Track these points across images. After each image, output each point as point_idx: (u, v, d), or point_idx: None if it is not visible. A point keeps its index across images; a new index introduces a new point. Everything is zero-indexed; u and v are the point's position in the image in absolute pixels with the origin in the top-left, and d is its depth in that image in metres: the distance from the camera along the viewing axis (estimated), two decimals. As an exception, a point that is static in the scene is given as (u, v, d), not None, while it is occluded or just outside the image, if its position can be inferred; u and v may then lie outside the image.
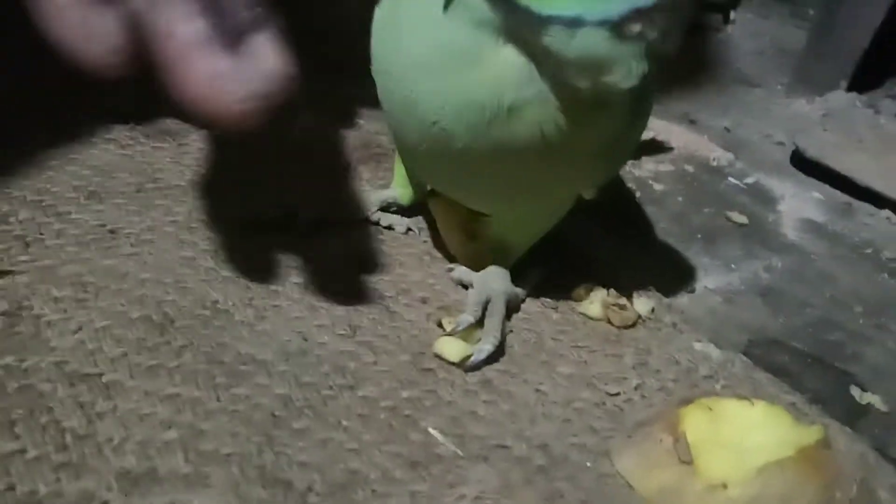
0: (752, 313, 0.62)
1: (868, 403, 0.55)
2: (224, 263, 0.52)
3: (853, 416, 0.54)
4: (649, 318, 0.56)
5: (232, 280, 0.51)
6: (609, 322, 0.55)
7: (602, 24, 0.38)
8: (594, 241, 0.64)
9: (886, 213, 0.81)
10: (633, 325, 0.56)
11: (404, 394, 0.46)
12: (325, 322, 0.50)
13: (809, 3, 1.43)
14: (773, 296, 0.65)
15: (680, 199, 0.76)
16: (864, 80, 1.03)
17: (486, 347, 0.50)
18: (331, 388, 0.46)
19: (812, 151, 0.85)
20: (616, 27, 0.38)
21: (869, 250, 0.75)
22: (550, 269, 0.58)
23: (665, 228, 0.71)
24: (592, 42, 0.38)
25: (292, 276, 0.53)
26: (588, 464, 0.45)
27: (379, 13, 0.49)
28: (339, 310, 0.51)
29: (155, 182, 0.59)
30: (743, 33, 1.19)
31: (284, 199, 0.58)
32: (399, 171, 0.61)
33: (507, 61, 0.41)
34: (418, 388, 0.47)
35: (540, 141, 0.43)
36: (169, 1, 0.33)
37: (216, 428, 0.41)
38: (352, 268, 0.55)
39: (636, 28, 0.38)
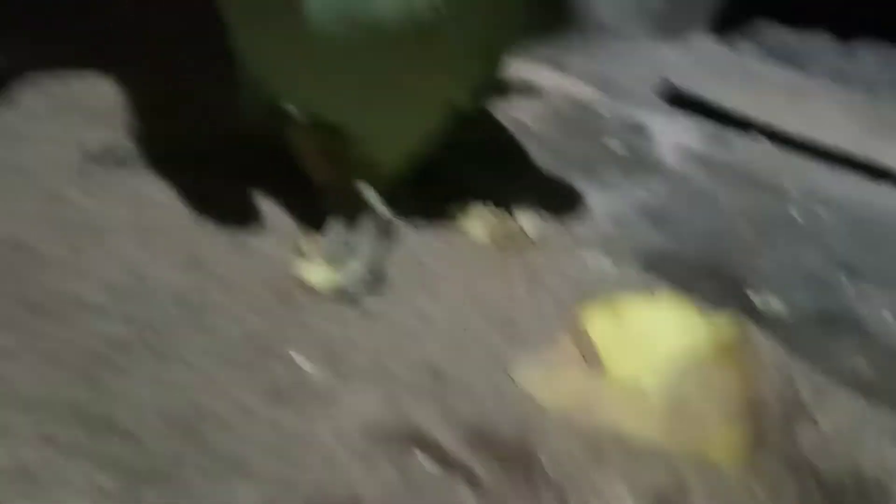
0: (642, 233, 0.59)
1: (767, 306, 0.52)
2: (33, 201, 0.43)
3: (756, 317, 0.50)
4: (538, 238, 0.51)
5: (43, 217, 0.42)
6: (495, 242, 0.50)
7: None
8: (474, 173, 0.58)
9: (760, 139, 0.80)
10: (522, 244, 0.50)
11: (261, 324, 0.39)
12: (160, 257, 0.42)
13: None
14: (660, 216, 0.62)
15: (557, 135, 0.72)
16: (723, 23, 1.03)
17: (357, 269, 0.43)
18: (169, 323, 0.38)
19: (682, 84, 0.83)
20: None
21: (747, 172, 0.73)
22: (428, 195, 0.52)
23: (545, 161, 0.67)
24: None
25: (121, 211, 0.45)
26: (484, 383, 0.39)
27: None
28: (179, 243, 0.43)
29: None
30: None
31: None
32: (246, 92, 0.53)
33: None
34: (278, 317, 0.40)
35: (409, 20, 0.37)
36: None
37: (20, 372, 0.33)
38: (194, 198, 0.48)
39: None
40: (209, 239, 0.44)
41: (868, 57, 1.09)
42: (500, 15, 0.43)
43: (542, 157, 0.67)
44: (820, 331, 0.51)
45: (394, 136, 0.49)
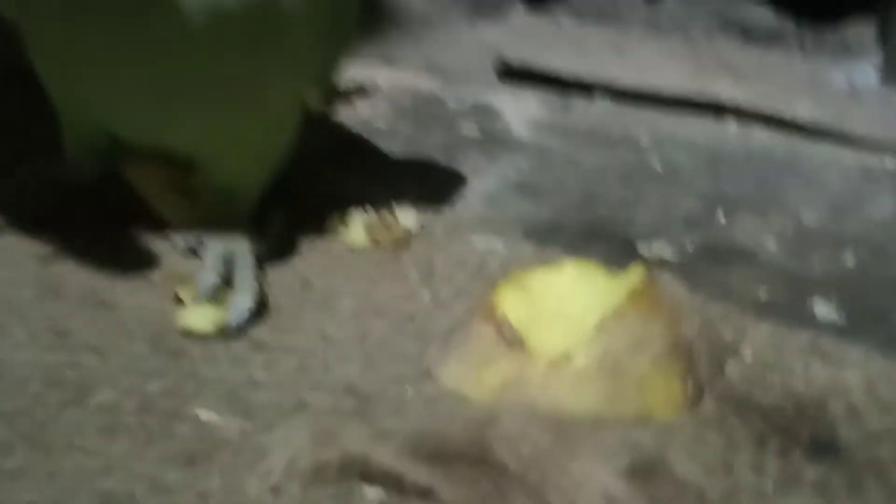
0: (519, 207, 0.58)
1: (659, 256, 0.52)
2: None
3: (651, 270, 0.50)
4: (420, 232, 0.49)
5: None
6: (378, 244, 0.47)
7: None
8: (335, 178, 0.55)
9: (600, 101, 0.81)
10: (405, 241, 0.48)
11: (154, 386, 0.35)
12: (20, 336, 0.37)
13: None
14: (531, 189, 0.61)
15: (407, 129, 0.70)
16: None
17: (244, 303, 0.39)
18: (49, 410, 0.33)
19: (515, 60, 0.83)
20: None
21: (599, 133, 0.74)
22: (294, 211, 0.49)
23: (402, 156, 0.65)
24: None
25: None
26: (409, 391, 0.36)
27: None
28: (37, 318, 0.38)
29: None
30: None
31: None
32: (70, 135, 0.47)
33: None
34: (171, 375, 0.36)
35: (259, 5, 0.34)
36: None
37: None
38: (43, 265, 0.42)
39: None
40: (70, 306, 0.39)
41: (674, 4, 1.14)
42: (342, 4, 0.40)
43: (399, 152, 0.65)
44: (714, 268, 0.51)
45: (245, 157, 0.45)
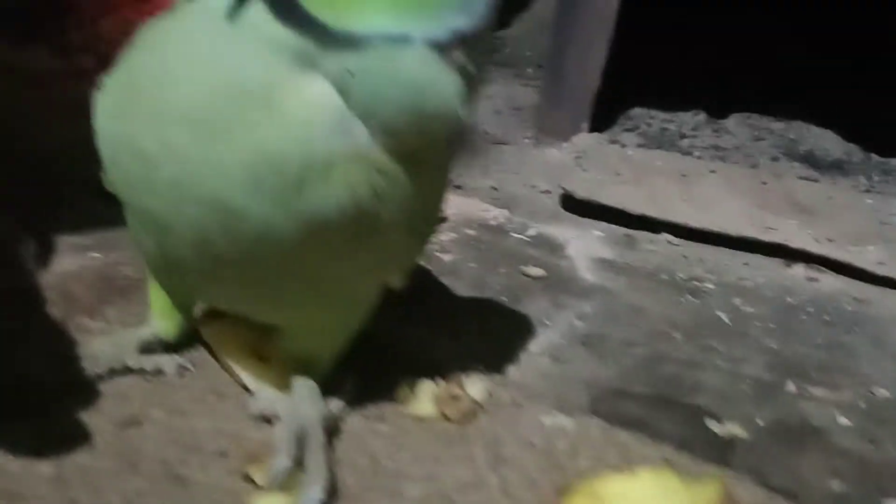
0: (583, 366, 0.57)
1: (730, 434, 0.51)
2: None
3: (722, 451, 0.50)
4: (488, 403, 0.49)
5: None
6: (446, 418, 0.47)
7: (430, 44, 0.32)
8: (403, 332, 0.56)
9: (665, 236, 0.81)
10: (472, 413, 0.48)
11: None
12: (94, 516, 0.38)
13: (527, 64, 1.50)
14: (595, 343, 0.61)
15: (472, 264, 0.71)
16: (601, 118, 1.06)
17: (314, 493, 0.40)
18: None
19: (581, 192, 0.84)
20: (443, 50, 0.32)
21: (664, 275, 0.74)
22: (364, 372, 0.49)
23: (468, 298, 0.65)
24: (417, 66, 0.32)
25: (41, 467, 0.40)
26: None
27: (111, 90, 0.39)
28: (111, 491, 0.39)
29: None
30: (476, 97, 1.19)
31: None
32: (157, 299, 0.49)
33: (312, 101, 0.33)
34: (242, 570, 0.36)
35: (352, 210, 0.35)
36: None
37: None
38: (122, 431, 0.43)
39: (459, 55, 0.32)
40: (145, 481, 0.40)
41: (740, 129, 1.14)
42: (435, 189, 0.41)
43: (464, 295, 0.66)
44: (785, 451, 0.50)
45: (328, 329, 0.46)
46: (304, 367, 0.46)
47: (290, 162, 0.33)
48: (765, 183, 0.96)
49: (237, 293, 0.42)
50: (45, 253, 0.60)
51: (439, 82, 0.33)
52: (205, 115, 0.33)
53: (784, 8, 1.24)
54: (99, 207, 0.59)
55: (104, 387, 0.47)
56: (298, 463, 0.41)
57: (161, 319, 0.50)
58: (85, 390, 0.46)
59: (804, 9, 1.23)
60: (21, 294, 0.55)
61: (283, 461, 0.40)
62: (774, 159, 1.04)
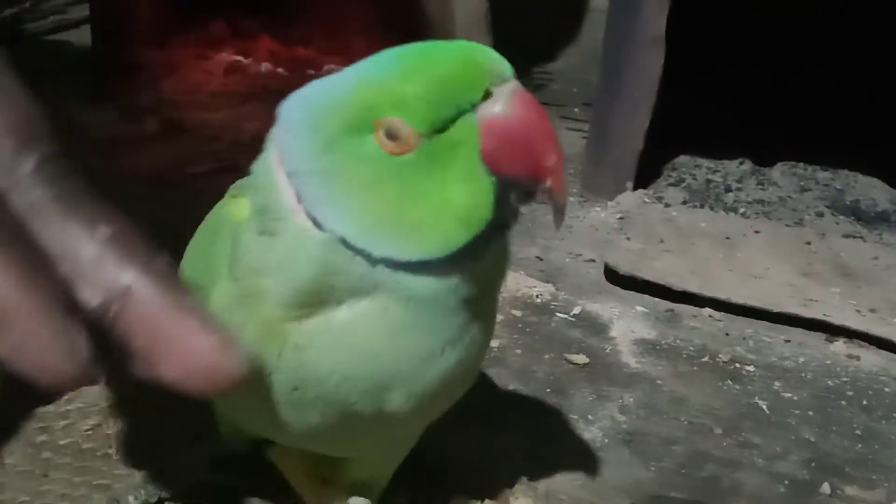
0: (625, 469, 0.60)
1: (763, 545, 0.54)
2: None
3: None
4: (534, 517, 0.53)
5: None
6: (493, 539, 0.51)
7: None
8: (452, 437, 0.59)
9: (707, 311, 0.83)
10: (519, 534, 0.52)
11: None
12: None
13: (574, 102, 1.52)
14: (637, 441, 0.64)
15: (518, 351, 0.74)
16: (646, 167, 1.08)
17: None
18: None
19: (624, 267, 0.86)
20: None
21: (706, 357, 0.76)
22: (415, 490, 0.53)
23: (514, 392, 0.69)
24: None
25: None
26: None
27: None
28: None
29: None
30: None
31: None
32: (225, 425, 0.54)
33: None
34: None
35: (460, 378, 0.41)
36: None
37: None
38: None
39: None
40: None
41: (785, 179, 1.15)
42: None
43: (511, 388, 0.69)
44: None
45: (392, 455, 0.50)
46: (365, 489, 0.51)
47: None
48: (809, 243, 0.97)
49: (326, 445, 0.47)
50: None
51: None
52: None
53: (828, 52, 1.24)
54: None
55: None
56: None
57: (229, 439, 0.54)
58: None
59: (847, 52, 1.23)
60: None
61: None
62: (819, 214, 1.05)
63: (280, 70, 1.45)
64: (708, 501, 0.58)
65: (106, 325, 0.28)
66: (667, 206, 1.04)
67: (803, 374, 0.75)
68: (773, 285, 0.86)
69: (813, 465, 0.63)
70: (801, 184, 1.14)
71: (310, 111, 0.36)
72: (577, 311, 0.82)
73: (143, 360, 0.29)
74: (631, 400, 0.69)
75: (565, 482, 0.58)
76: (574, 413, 0.66)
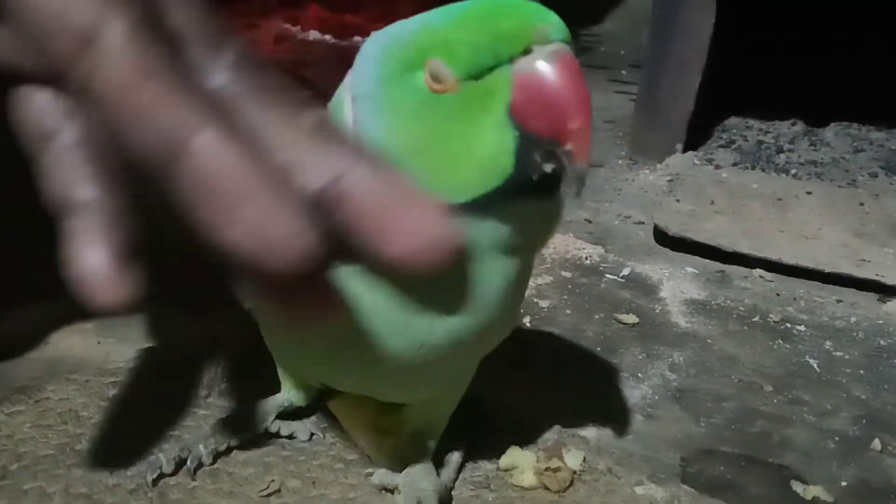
0: (675, 425, 0.62)
1: (814, 498, 0.55)
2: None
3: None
4: (583, 471, 0.54)
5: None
6: (546, 488, 0.53)
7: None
8: (506, 393, 0.61)
9: (758, 271, 0.84)
10: (572, 484, 0.53)
11: None
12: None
13: (621, 65, 1.51)
14: (688, 398, 0.65)
15: (568, 311, 0.76)
16: (697, 129, 1.08)
17: None
18: None
19: (674, 228, 0.87)
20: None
21: (756, 317, 0.76)
22: (469, 440, 0.55)
23: (565, 350, 0.70)
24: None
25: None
26: None
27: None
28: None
29: (20, 459, 0.53)
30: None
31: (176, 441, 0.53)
32: (286, 377, 0.57)
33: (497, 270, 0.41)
34: None
35: (503, 316, 0.43)
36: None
37: None
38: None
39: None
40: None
41: (838, 140, 1.14)
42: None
43: (562, 347, 0.71)
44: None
45: (446, 402, 0.52)
46: (421, 439, 0.53)
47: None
48: (862, 204, 0.96)
49: (387, 390, 0.50)
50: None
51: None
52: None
53: (883, 9, 1.21)
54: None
55: (247, 455, 0.54)
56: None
57: (292, 390, 0.57)
58: (232, 458, 0.54)
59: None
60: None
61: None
62: (873, 175, 1.04)
63: (328, 37, 1.46)
64: (758, 456, 0.59)
65: (327, 209, 0.27)
66: (717, 167, 1.04)
67: (855, 334, 0.75)
68: (826, 246, 0.86)
69: (864, 421, 0.63)
70: (855, 144, 1.12)
71: (380, 45, 0.39)
72: (626, 272, 0.83)
73: (370, 239, 0.27)
74: (681, 359, 0.70)
75: (616, 436, 0.60)
76: (624, 371, 0.68)
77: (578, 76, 0.36)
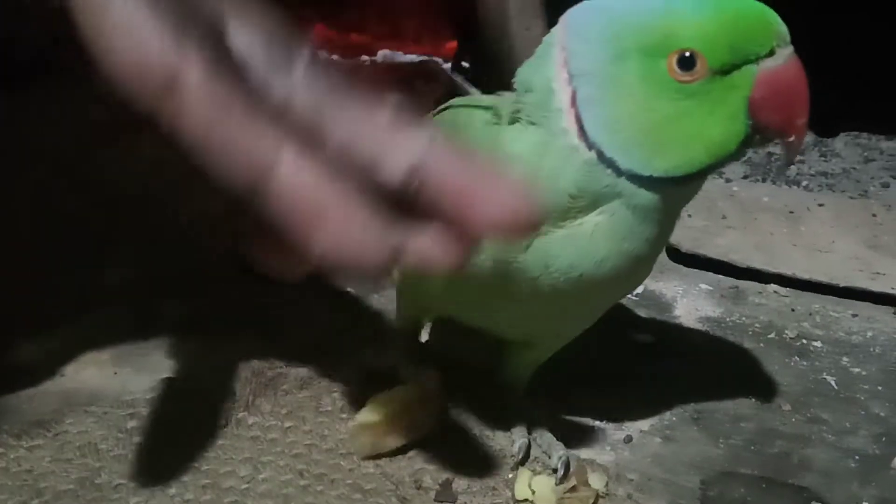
0: (693, 446, 0.61)
1: (834, 520, 0.55)
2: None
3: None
4: (605, 494, 0.54)
5: None
6: (564, 504, 0.53)
7: None
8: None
9: (772, 286, 0.83)
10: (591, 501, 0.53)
11: None
12: None
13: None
14: (706, 418, 0.64)
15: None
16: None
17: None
18: None
19: (686, 244, 0.86)
20: None
21: (772, 334, 0.76)
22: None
23: (580, 371, 0.70)
24: None
25: None
26: None
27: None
28: None
29: (40, 495, 0.53)
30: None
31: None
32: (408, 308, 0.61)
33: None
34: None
35: (646, 267, 0.50)
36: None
37: None
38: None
39: None
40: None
41: (848, 150, 1.14)
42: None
43: (578, 366, 0.70)
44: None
45: (563, 338, 0.58)
46: (520, 377, 0.60)
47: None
48: (874, 215, 0.96)
49: (492, 325, 0.54)
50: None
51: None
52: None
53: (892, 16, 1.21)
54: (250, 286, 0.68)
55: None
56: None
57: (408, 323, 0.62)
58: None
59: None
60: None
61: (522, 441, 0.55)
62: (885, 185, 1.04)
63: (335, 56, 1.47)
64: (778, 477, 0.59)
65: (411, 196, 0.29)
66: (727, 181, 1.04)
67: (872, 349, 0.74)
68: (839, 259, 0.85)
69: (883, 439, 0.63)
70: (865, 154, 1.12)
71: (608, 22, 0.41)
72: (640, 290, 0.83)
73: (454, 217, 0.29)
74: (698, 378, 0.70)
75: (635, 460, 0.59)
76: (641, 392, 0.67)
77: (805, 77, 0.42)
